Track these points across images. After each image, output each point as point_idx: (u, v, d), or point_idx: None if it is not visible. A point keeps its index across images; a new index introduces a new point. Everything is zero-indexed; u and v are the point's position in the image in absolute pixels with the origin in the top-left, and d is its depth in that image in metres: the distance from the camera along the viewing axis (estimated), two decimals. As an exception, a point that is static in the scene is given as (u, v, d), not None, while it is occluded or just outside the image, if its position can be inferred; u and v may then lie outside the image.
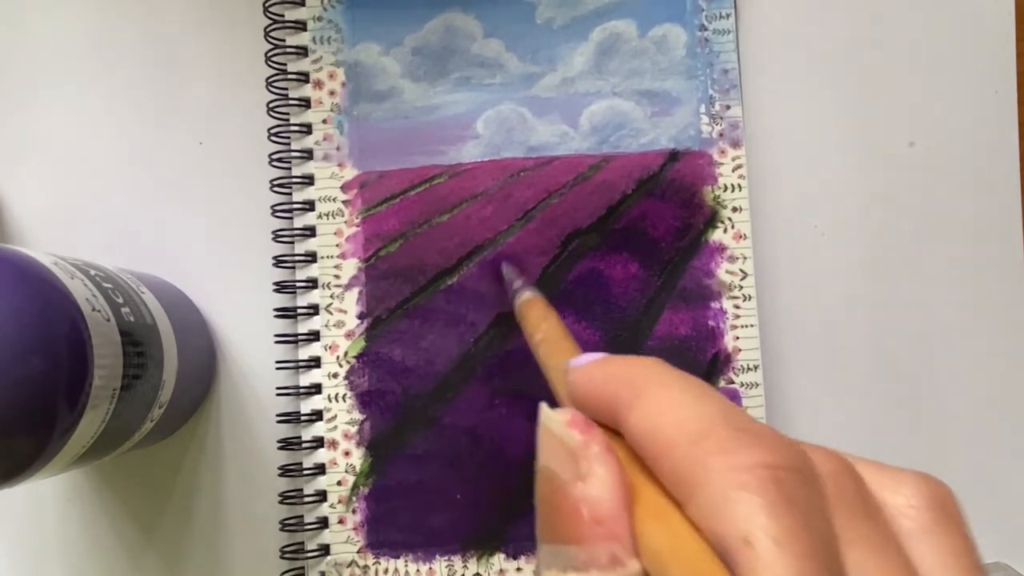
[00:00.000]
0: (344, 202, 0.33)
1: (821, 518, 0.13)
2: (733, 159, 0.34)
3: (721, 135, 0.34)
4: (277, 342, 0.33)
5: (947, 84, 0.35)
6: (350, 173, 0.34)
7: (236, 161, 0.35)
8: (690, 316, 0.33)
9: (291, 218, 0.34)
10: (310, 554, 0.32)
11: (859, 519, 0.13)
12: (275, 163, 0.33)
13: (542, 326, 0.26)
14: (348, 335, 0.33)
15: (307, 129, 0.34)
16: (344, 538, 0.32)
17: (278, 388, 0.33)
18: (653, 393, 0.15)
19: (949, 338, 0.34)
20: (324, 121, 0.34)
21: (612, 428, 0.15)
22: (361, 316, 0.33)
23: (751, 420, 0.14)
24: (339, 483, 0.32)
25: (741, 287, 0.33)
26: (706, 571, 0.12)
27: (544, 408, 0.15)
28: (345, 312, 0.33)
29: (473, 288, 0.33)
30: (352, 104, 0.34)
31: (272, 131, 0.34)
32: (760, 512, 0.12)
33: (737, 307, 0.33)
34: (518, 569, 0.32)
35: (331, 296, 0.33)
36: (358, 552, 0.32)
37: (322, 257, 0.33)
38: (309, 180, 0.33)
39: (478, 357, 0.33)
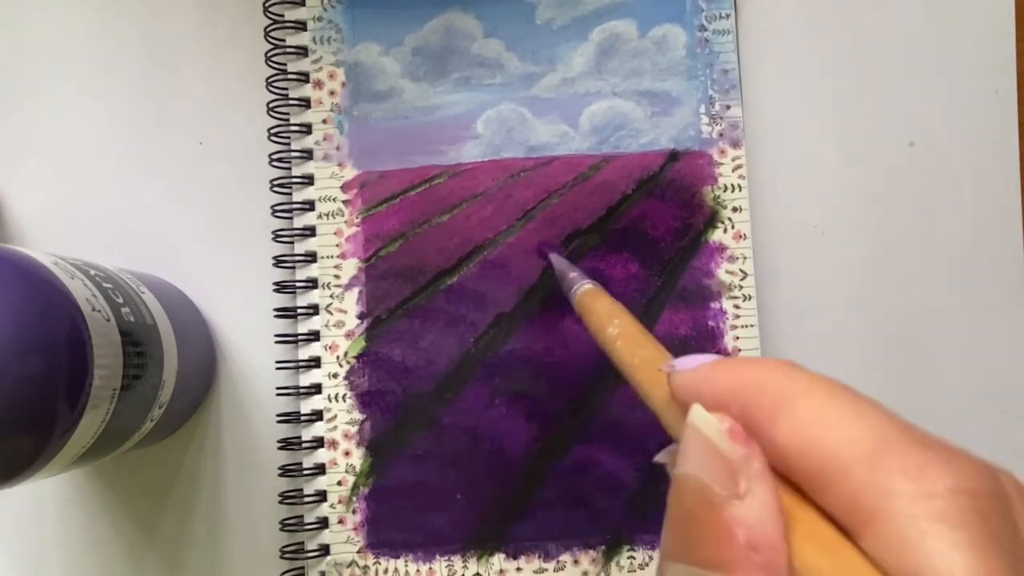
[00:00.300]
0: (344, 202, 0.33)
1: (1021, 550, 0.11)
2: (733, 159, 0.34)
3: (721, 135, 0.34)
4: (277, 342, 0.33)
5: (947, 84, 0.35)
6: (350, 173, 0.34)
7: (236, 161, 0.35)
8: (690, 316, 0.33)
9: (291, 218, 0.34)
10: (310, 554, 0.32)
11: None
12: (275, 163, 0.33)
13: (615, 320, 0.23)
14: (348, 335, 0.33)
15: (307, 129, 0.34)
16: (344, 538, 0.32)
17: (278, 388, 0.33)
18: (804, 403, 0.13)
19: (949, 338, 0.34)
20: (324, 121, 0.34)
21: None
22: (361, 316, 0.33)
23: (929, 435, 0.12)
24: (339, 483, 0.32)
25: (741, 287, 0.33)
26: None
27: (699, 410, 0.13)
28: (345, 312, 0.33)
29: (473, 288, 0.33)
30: (352, 104, 0.34)
31: (272, 131, 0.34)
32: (964, 549, 0.10)
33: (737, 307, 0.33)
34: (518, 569, 0.32)
35: (331, 296, 0.33)
36: (358, 552, 0.32)
37: (322, 257, 0.33)
38: (309, 180, 0.33)
39: (478, 357, 0.33)
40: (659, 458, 0.16)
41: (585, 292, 0.27)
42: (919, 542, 0.11)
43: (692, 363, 0.15)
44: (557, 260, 0.32)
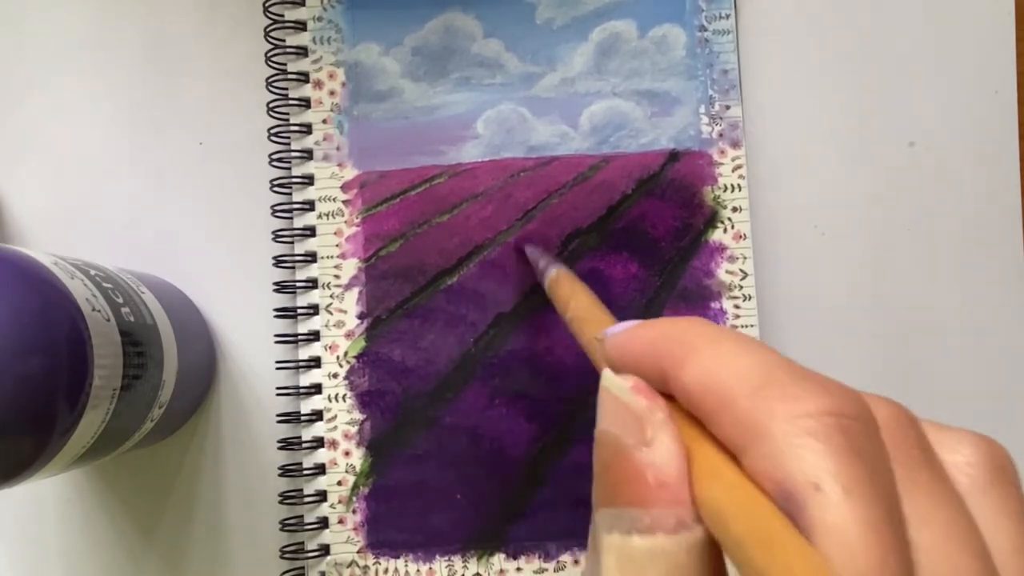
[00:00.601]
0: (344, 202, 0.33)
1: (884, 467, 0.13)
2: (733, 159, 0.34)
3: (721, 135, 0.34)
4: (277, 342, 0.33)
5: (947, 84, 0.35)
6: (350, 173, 0.34)
7: (236, 161, 0.35)
8: (690, 316, 0.33)
9: (291, 218, 0.34)
10: (310, 554, 0.32)
11: (919, 468, 0.13)
12: (275, 163, 0.33)
13: (571, 303, 0.25)
14: (348, 335, 0.33)
15: (307, 129, 0.34)
16: (344, 538, 0.32)
17: (278, 388, 0.33)
18: (706, 348, 0.14)
19: (949, 338, 0.34)
20: (324, 121, 0.34)
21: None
22: (361, 316, 0.33)
23: (812, 372, 0.14)
24: (339, 483, 0.32)
25: (741, 287, 0.33)
26: (766, 520, 0.12)
27: (608, 373, 0.15)
28: (345, 312, 0.33)
29: (473, 288, 0.33)
30: (352, 104, 0.34)
31: (272, 131, 0.34)
32: (829, 459, 0.12)
33: (737, 307, 0.33)
34: (518, 569, 0.32)
35: (331, 296, 0.33)
36: (358, 552, 0.32)
37: (322, 257, 0.33)
38: (309, 180, 0.33)
39: (478, 357, 0.33)
40: None
41: (550, 280, 0.28)
42: (793, 454, 0.12)
43: (619, 328, 0.17)
44: (531, 251, 0.32)
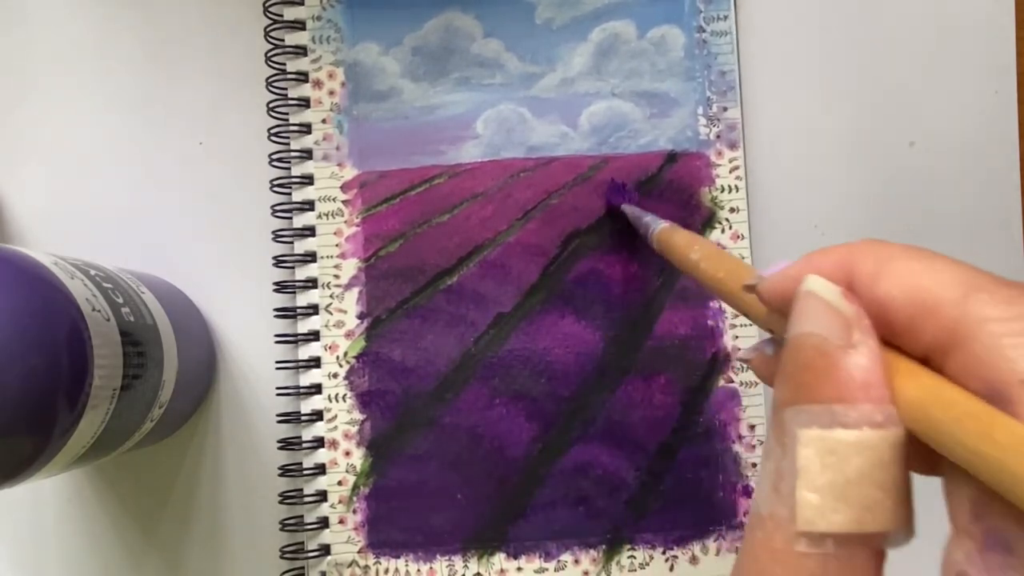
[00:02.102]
0: (344, 202, 0.33)
1: None
2: (730, 160, 0.34)
3: (718, 137, 0.34)
4: (277, 342, 0.33)
5: (947, 84, 0.35)
6: (350, 173, 0.34)
7: (236, 161, 0.35)
8: (689, 315, 0.33)
9: (291, 218, 0.34)
10: (310, 554, 0.32)
11: None
12: (275, 163, 0.33)
13: (695, 246, 0.25)
14: (348, 335, 0.33)
15: (307, 129, 0.34)
16: (344, 538, 0.32)
17: (278, 388, 0.33)
18: (900, 262, 0.15)
19: (949, 338, 0.34)
20: (324, 121, 0.34)
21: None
22: (361, 316, 0.33)
23: (1016, 282, 0.14)
24: (339, 483, 0.33)
25: (741, 287, 0.33)
26: (973, 404, 0.13)
27: (815, 278, 0.15)
28: (345, 312, 0.33)
29: (473, 288, 0.33)
30: (352, 104, 0.34)
31: (272, 131, 0.34)
32: None
33: (737, 307, 0.33)
34: (519, 569, 0.32)
35: (331, 296, 0.33)
36: (358, 552, 0.32)
37: (322, 257, 0.33)
38: (309, 180, 0.33)
39: (478, 357, 0.33)
40: (743, 355, 0.19)
41: (663, 230, 0.28)
42: (1001, 353, 0.13)
43: (778, 267, 0.17)
44: (630, 209, 0.32)
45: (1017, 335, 0.13)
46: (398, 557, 0.32)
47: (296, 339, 0.33)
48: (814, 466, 0.14)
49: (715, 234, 0.33)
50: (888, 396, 0.14)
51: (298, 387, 0.33)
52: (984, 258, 0.34)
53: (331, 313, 0.33)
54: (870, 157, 0.35)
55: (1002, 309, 0.13)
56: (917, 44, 0.35)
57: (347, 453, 0.33)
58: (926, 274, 0.14)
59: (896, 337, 0.15)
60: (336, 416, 0.33)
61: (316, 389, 0.33)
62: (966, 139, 0.35)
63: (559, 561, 0.32)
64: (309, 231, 0.33)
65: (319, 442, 0.33)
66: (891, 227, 0.35)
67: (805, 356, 0.15)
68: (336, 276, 0.33)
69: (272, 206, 0.34)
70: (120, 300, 0.26)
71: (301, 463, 0.33)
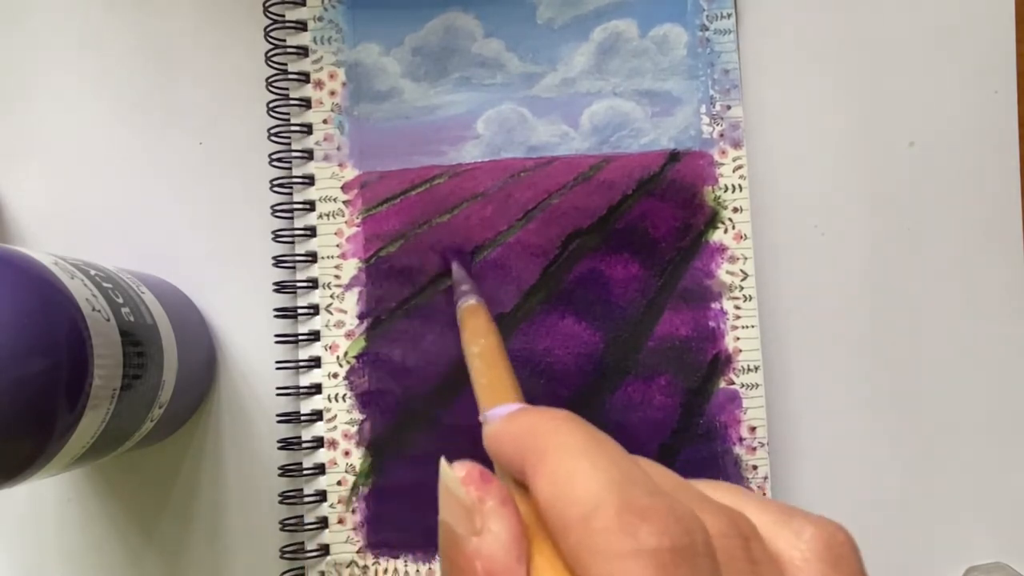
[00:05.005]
0: (344, 202, 0.33)
1: None
2: (734, 159, 0.34)
3: (722, 135, 0.34)
4: (277, 342, 0.33)
5: (947, 84, 0.35)
6: (351, 173, 0.34)
7: (236, 161, 0.35)
8: (691, 317, 0.33)
9: (291, 218, 0.34)
10: (310, 554, 0.32)
11: None
12: (275, 163, 0.33)
13: (480, 341, 0.26)
14: (348, 335, 0.33)
15: (307, 129, 0.34)
16: (344, 538, 0.32)
17: (278, 388, 0.33)
18: (552, 459, 0.15)
19: (949, 338, 0.34)
20: (324, 121, 0.34)
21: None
22: (361, 316, 0.33)
23: (648, 488, 0.14)
24: (339, 483, 0.32)
25: (742, 287, 0.33)
26: None
27: (443, 464, 0.16)
28: (345, 312, 0.33)
29: (473, 288, 0.33)
30: (352, 104, 0.34)
31: (272, 131, 0.33)
32: None
33: (738, 308, 0.33)
34: (518, 569, 0.32)
35: (331, 296, 0.33)
36: (358, 552, 0.32)
37: (322, 257, 0.33)
38: (309, 180, 0.33)
39: (478, 357, 0.33)
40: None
41: (467, 307, 0.29)
42: None
43: (499, 413, 0.18)
44: (456, 271, 0.32)
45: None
46: (397, 557, 0.32)
47: (296, 339, 0.33)
48: None
49: (718, 234, 0.33)
50: None
51: (298, 387, 0.33)
52: (984, 258, 0.34)
53: (331, 313, 0.33)
54: (870, 157, 0.35)
55: (612, 542, 0.13)
56: (917, 44, 0.35)
57: (347, 453, 0.33)
58: (564, 484, 0.14)
59: None
60: (336, 416, 0.33)
61: (316, 389, 0.33)
62: (966, 139, 0.35)
63: (559, 561, 0.32)
64: (310, 231, 0.33)
65: (319, 442, 0.33)
66: (891, 227, 0.35)
67: (443, 543, 0.15)
68: (336, 276, 0.33)
69: (272, 206, 0.34)
70: (120, 300, 0.26)
71: (301, 463, 0.33)
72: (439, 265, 0.33)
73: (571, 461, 0.14)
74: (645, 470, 0.15)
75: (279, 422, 0.33)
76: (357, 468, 0.33)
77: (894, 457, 0.34)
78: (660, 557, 0.12)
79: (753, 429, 0.33)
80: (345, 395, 0.33)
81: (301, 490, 0.33)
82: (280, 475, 0.33)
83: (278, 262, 0.33)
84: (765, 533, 0.15)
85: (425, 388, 0.33)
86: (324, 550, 0.32)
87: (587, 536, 0.13)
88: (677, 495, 0.14)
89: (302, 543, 0.32)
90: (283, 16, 0.34)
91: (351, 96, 0.34)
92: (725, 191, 0.33)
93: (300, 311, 0.33)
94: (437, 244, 0.33)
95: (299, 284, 0.33)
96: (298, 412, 0.33)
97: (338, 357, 0.33)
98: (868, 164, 0.35)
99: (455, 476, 0.15)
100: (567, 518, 0.13)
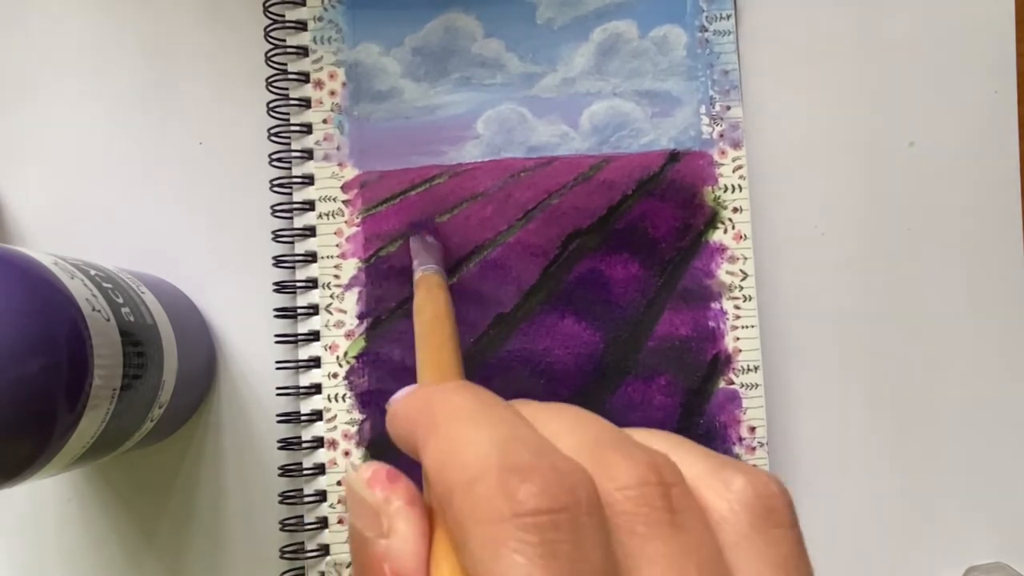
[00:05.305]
0: (344, 202, 0.33)
1: (598, 556, 0.12)
2: (733, 160, 0.34)
3: (721, 136, 0.34)
4: (277, 342, 0.33)
5: (947, 84, 0.35)
6: (350, 173, 0.34)
7: (236, 161, 0.35)
8: (691, 316, 0.33)
9: (291, 218, 0.34)
10: (310, 554, 0.32)
11: (659, 538, 0.13)
12: (275, 163, 0.33)
13: (418, 319, 0.26)
14: (348, 335, 0.33)
15: (307, 129, 0.34)
16: (344, 538, 0.32)
17: (278, 388, 0.33)
18: (442, 430, 0.14)
19: (949, 338, 0.34)
20: (324, 121, 0.34)
21: None
22: (361, 316, 0.33)
23: (533, 448, 0.13)
24: (339, 483, 0.32)
25: (741, 287, 0.33)
26: None
27: (350, 471, 0.15)
28: (345, 312, 0.33)
29: (473, 288, 0.33)
30: (352, 104, 0.34)
31: (272, 131, 0.33)
32: (519, 570, 0.12)
33: (738, 308, 0.33)
34: (518, 569, 0.32)
35: (331, 296, 0.33)
36: (358, 552, 0.32)
37: (322, 257, 0.33)
38: (309, 180, 0.33)
39: (478, 358, 0.33)
40: None
41: (422, 276, 0.29)
42: (489, 567, 0.12)
43: (400, 394, 0.17)
44: (412, 243, 0.32)
45: (498, 543, 0.12)
46: (398, 557, 0.32)
47: (296, 339, 0.33)
48: None
49: (718, 234, 0.33)
50: None
51: (298, 387, 0.33)
52: (984, 258, 0.34)
53: (331, 313, 0.33)
54: (870, 157, 0.35)
55: (493, 505, 0.12)
56: (917, 44, 0.35)
57: (347, 453, 0.33)
58: (451, 452, 0.13)
59: None
60: (336, 416, 0.33)
61: (316, 389, 0.33)
62: (966, 139, 0.35)
63: (559, 561, 0.32)
64: (309, 231, 0.33)
65: (319, 442, 0.33)
66: (891, 227, 0.35)
67: (352, 547, 0.14)
68: (336, 276, 0.33)
69: (272, 206, 0.34)
70: (120, 300, 0.26)
71: (301, 463, 0.33)
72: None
73: (458, 427, 0.14)
74: (546, 425, 0.14)
75: (279, 422, 0.33)
76: (357, 468, 0.32)
77: (894, 457, 0.34)
78: (539, 518, 0.12)
79: (753, 429, 0.33)
80: (345, 395, 0.33)
81: (301, 490, 0.33)
82: (280, 475, 0.33)
83: (278, 262, 0.33)
84: (694, 483, 0.14)
85: (425, 388, 0.33)
86: (324, 550, 0.32)
87: (469, 502, 0.12)
88: (586, 448, 0.14)
89: (302, 543, 0.32)
90: (283, 16, 0.34)
91: (351, 96, 0.34)
92: (725, 191, 0.33)
93: (300, 311, 0.33)
94: (400, 232, 0.33)
95: (299, 284, 0.33)
96: (298, 412, 0.33)
97: (338, 357, 0.33)
98: (868, 164, 0.35)
99: (360, 478, 0.14)
100: (451, 485, 0.13)
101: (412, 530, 0.14)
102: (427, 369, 0.22)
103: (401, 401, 0.17)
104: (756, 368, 0.33)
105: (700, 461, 0.15)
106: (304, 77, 0.34)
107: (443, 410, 0.15)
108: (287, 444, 0.33)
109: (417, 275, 0.30)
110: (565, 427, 0.15)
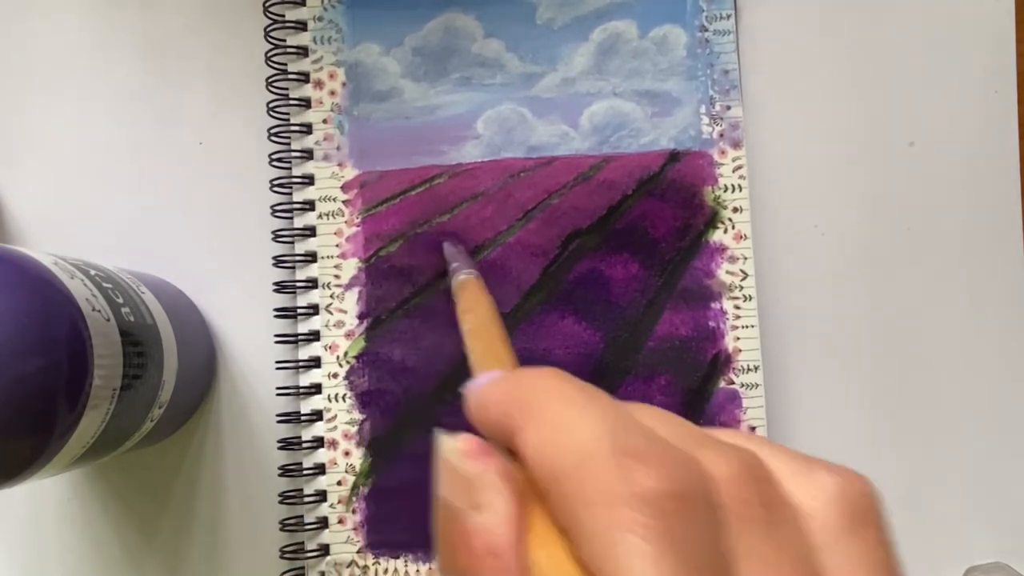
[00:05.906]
0: (344, 202, 0.33)
1: (711, 545, 0.12)
2: (733, 159, 0.34)
3: (721, 136, 0.34)
4: (277, 342, 0.33)
5: (947, 84, 0.35)
6: (350, 173, 0.34)
7: (236, 161, 0.35)
8: (691, 316, 0.33)
9: (291, 218, 0.34)
10: (310, 554, 0.32)
11: (756, 534, 0.12)
12: (275, 163, 0.33)
13: (469, 317, 0.26)
14: (348, 335, 0.33)
15: (307, 129, 0.34)
16: (344, 538, 0.32)
17: (278, 388, 0.33)
18: (539, 414, 0.14)
19: (949, 338, 0.34)
20: (324, 121, 0.34)
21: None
22: (361, 316, 0.33)
23: (643, 433, 0.13)
24: (339, 483, 0.32)
25: (741, 287, 0.33)
26: None
27: (443, 437, 0.15)
28: (345, 312, 0.33)
29: (473, 288, 0.33)
30: (352, 104, 0.34)
31: (272, 131, 0.33)
32: (641, 557, 0.11)
33: (737, 307, 0.33)
34: (518, 569, 0.32)
35: (331, 296, 0.33)
36: (358, 552, 0.32)
37: (322, 257, 0.33)
38: (309, 180, 0.33)
39: (478, 357, 0.33)
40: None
41: (457, 283, 0.29)
42: (607, 550, 0.11)
43: (481, 382, 0.17)
44: (447, 248, 0.33)
45: (615, 528, 0.11)
46: (397, 557, 0.32)
47: (296, 339, 0.33)
48: None
49: (718, 234, 0.33)
50: (513, 566, 0.13)
51: (298, 387, 0.33)
52: (984, 258, 0.34)
53: (331, 313, 0.33)
54: (870, 157, 0.35)
55: (607, 490, 0.12)
56: (917, 44, 0.35)
57: (347, 453, 0.33)
58: (553, 437, 0.13)
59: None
60: (336, 416, 0.33)
61: (316, 389, 0.33)
62: (966, 139, 0.35)
63: (559, 561, 0.32)
64: (309, 231, 0.33)
65: (319, 442, 0.33)
66: (891, 227, 0.35)
67: (441, 521, 0.14)
68: (336, 276, 0.33)
69: (272, 206, 0.34)
70: (120, 300, 0.26)
71: (301, 463, 0.33)
72: (437, 258, 0.33)
73: (561, 409, 0.14)
74: (642, 418, 0.14)
75: (279, 422, 0.33)
76: (357, 468, 0.33)
77: (894, 457, 0.34)
78: (660, 502, 0.12)
79: (753, 429, 0.33)
80: (345, 395, 0.33)
81: (301, 490, 0.33)
82: (280, 475, 0.33)
83: (278, 262, 0.33)
84: (782, 480, 0.14)
85: (425, 388, 0.33)
86: (324, 550, 0.32)
87: (580, 485, 0.12)
88: (682, 440, 0.13)
89: (302, 543, 0.32)
90: (283, 16, 0.34)
91: (351, 96, 0.34)
92: (725, 191, 0.33)
93: (300, 311, 0.33)
94: (430, 241, 0.33)
95: (299, 284, 0.33)
96: (298, 412, 0.33)
97: (338, 357, 0.33)
98: (868, 164, 0.35)
99: (457, 448, 0.14)
100: (558, 468, 0.13)
101: (506, 505, 0.13)
102: (488, 360, 0.22)
103: (488, 387, 0.16)
104: (756, 368, 0.33)
105: (788, 459, 0.14)
106: (304, 77, 0.34)
107: (541, 394, 0.14)
108: (287, 444, 0.33)
109: (460, 278, 0.30)
110: (658, 421, 0.14)
